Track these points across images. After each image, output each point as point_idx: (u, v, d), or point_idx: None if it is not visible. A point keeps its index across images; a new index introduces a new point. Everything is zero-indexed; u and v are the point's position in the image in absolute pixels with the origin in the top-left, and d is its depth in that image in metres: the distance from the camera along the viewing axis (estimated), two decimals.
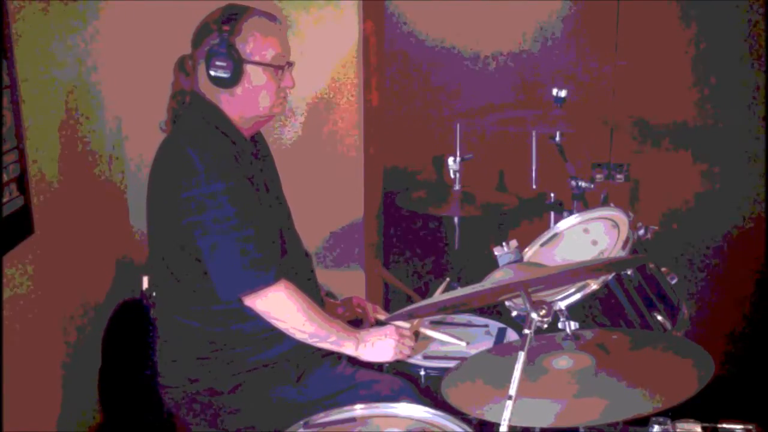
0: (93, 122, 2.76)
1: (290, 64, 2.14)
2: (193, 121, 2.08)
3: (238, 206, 1.99)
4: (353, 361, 2.16)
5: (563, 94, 2.69)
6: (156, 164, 2.09)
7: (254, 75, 2.07)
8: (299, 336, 2.08)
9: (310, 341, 2.09)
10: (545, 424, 1.50)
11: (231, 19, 2.05)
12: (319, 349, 2.13)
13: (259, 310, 2.04)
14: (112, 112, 2.90)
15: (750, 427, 1.66)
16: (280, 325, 2.06)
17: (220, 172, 1.98)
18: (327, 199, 3.17)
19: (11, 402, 2.07)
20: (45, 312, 2.35)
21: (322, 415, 1.84)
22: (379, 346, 2.12)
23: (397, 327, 2.17)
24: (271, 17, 2.11)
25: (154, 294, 2.24)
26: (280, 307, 2.05)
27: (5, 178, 2.11)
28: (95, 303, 2.63)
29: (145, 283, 2.29)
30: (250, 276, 2.00)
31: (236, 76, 2.04)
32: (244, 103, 2.09)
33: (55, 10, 2.47)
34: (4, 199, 2.11)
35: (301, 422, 1.81)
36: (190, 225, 2.00)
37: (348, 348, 2.12)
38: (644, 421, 1.63)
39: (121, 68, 2.93)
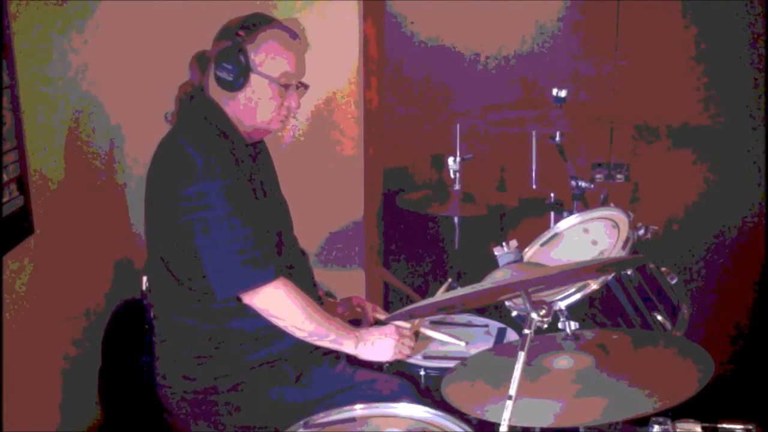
0: (93, 122, 2.76)
1: (302, 86, 2.12)
2: (194, 119, 2.09)
3: (236, 204, 1.99)
4: (353, 360, 2.15)
5: (563, 94, 2.69)
6: (155, 162, 2.09)
7: (258, 86, 2.06)
8: (298, 334, 2.08)
9: (309, 339, 2.09)
10: (545, 424, 1.50)
11: (251, 26, 2.05)
12: (319, 348, 2.13)
13: (258, 308, 2.04)
14: (111, 111, 2.90)
15: (750, 427, 1.65)
16: (279, 323, 2.06)
17: (218, 170, 1.98)
18: (327, 199, 3.17)
19: (11, 402, 2.07)
20: (45, 312, 2.34)
21: (322, 415, 1.84)
22: (378, 346, 2.12)
23: (397, 327, 2.17)
24: (293, 33, 2.09)
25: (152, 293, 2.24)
26: (278, 304, 2.05)
27: (5, 178, 2.11)
28: (95, 303, 2.63)
29: (145, 282, 2.29)
30: (249, 273, 2.00)
31: (240, 82, 2.04)
32: (243, 110, 2.09)
33: (55, 10, 2.47)
34: (4, 199, 2.11)
35: (301, 422, 1.81)
36: (188, 223, 2.00)
37: (347, 346, 2.12)
38: (644, 421, 1.63)
39: (121, 68, 2.93)
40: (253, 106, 2.08)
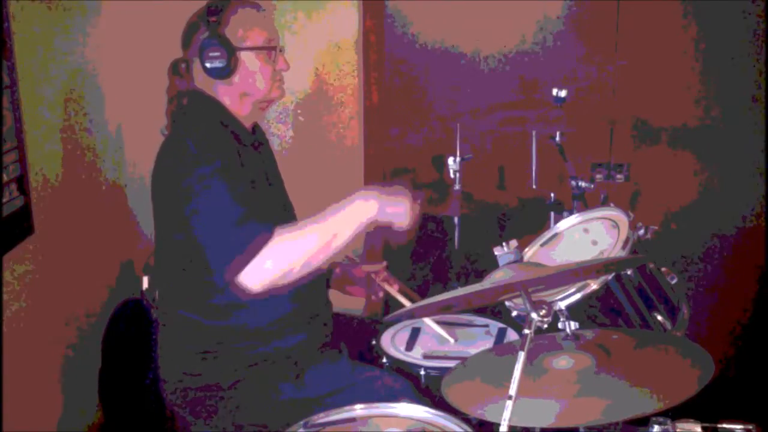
0: (93, 122, 2.76)
1: (281, 49, 2.15)
2: (194, 115, 2.10)
3: (231, 183, 1.93)
4: (353, 355, 2.15)
5: (563, 94, 2.69)
6: (158, 161, 2.09)
7: (249, 61, 2.09)
8: (321, 258, 1.97)
9: (333, 248, 1.99)
10: (545, 424, 1.50)
11: (217, 12, 2.08)
12: (320, 347, 2.13)
13: (264, 278, 1.90)
14: (112, 111, 2.90)
15: (750, 427, 1.65)
16: (295, 273, 1.92)
17: (212, 153, 1.96)
18: (327, 199, 3.15)
19: (11, 402, 2.07)
20: (45, 312, 2.35)
21: (322, 415, 1.84)
22: (395, 203, 2.05)
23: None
24: (256, 6, 2.14)
25: (157, 291, 2.23)
26: (277, 258, 1.91)
27: (5, 178, 2.12)
28: (95, 303, 2.63)
29: (145, 283, 2.29)
30: (240, 237, 1.88)
31: (232, 64, 2.06)
32: (243, 90, 2.11)
33: (56, 10, 2.47)
34: (4, 199, 2.11)
35: (301, 422, 1.81)
36: (189, 212, 1.98)
37: (366, 208, 2.04)
38: (644, 421, 1.63)
39: (121, 68, 2.93)
40: (251, 82, 2.11)
